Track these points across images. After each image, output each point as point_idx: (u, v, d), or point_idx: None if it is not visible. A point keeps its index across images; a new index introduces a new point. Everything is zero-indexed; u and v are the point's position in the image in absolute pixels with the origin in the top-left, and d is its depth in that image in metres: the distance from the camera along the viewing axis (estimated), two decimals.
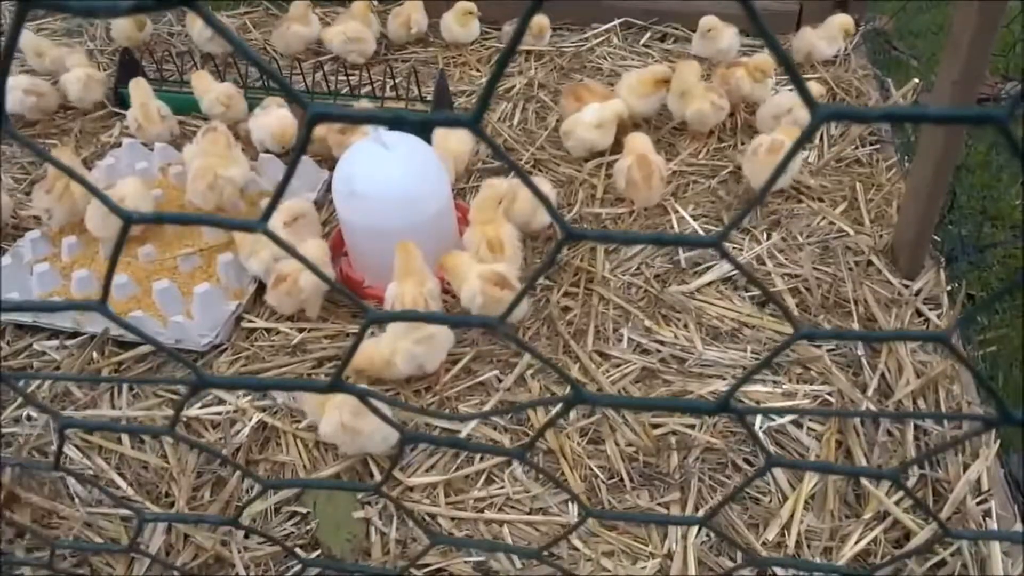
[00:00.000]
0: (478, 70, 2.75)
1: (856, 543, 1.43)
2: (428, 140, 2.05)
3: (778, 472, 1.55)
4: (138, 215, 0.47)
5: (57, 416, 0.61)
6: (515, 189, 1.90)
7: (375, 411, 0.58)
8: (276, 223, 1.91)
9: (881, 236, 2.00)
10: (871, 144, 2.33)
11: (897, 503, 1.47)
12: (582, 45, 2.84)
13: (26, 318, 1.86)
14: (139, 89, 2.37)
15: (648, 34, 2.87)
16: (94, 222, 1.97)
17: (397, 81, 2.56)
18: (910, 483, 1.51)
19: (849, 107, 0.38)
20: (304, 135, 0.42)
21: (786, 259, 1.96)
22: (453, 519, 1.52)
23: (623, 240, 0.47)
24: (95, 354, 1.83)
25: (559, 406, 0.46)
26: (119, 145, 2.37)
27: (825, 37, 2.58)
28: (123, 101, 2.57)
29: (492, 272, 1.72)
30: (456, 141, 2.17)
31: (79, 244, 2.02)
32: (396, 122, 0.43)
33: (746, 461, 1.57)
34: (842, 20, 2.57)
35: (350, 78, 2.58)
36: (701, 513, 1.49)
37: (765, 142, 2.03)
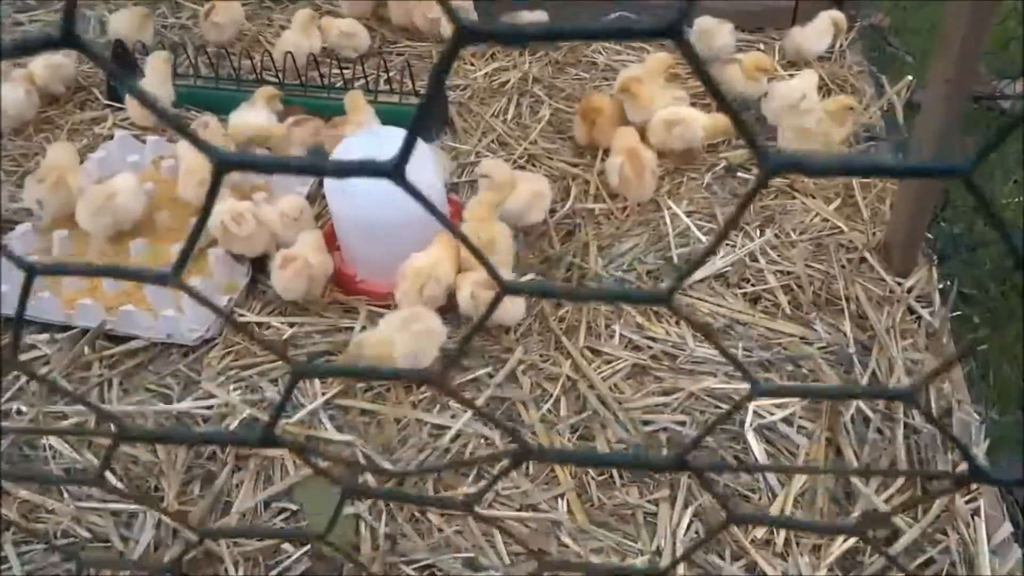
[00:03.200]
0: (472, 64, 2.74)
1: (844, 541, 1.43)
2: (423, 136, 2.04)
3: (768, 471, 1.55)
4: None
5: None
6: (511, 184, 1.90)
7: (313, 465, 0.57)
8: (274, 214, 1.91)
9: (875, 233, 2.00)
10: (865, 141, 2.33)
11: (886, 502, 1.47)
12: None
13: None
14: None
15: None
16: (84, 217, 1.96)
17: (391, 75, 2.55)
18: (898, 483, 1.51)
19: (802, 158, 0.36)
20: (213, 184, 0.38)
21: (779, 256, 1.96)
22: (443, 515, 1.52)
23: (562, 295, 0.45)
24: (86, 348, 1.82)
25: (506, 462, 0.45)
26: (111, 138, 2.36)
27: (815, 33, 2.57)
28: (115, 94, 2.56)
29: (484, 277, 1.72)
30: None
31: (70, 238, 2.01)
32: (308, 172, 0.41)
33: (736, 458, 1.58)
34: (832, 16, 2.56)
35: (344, 72, 2.57)
36: (691, 510, 1.49)
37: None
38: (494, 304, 0.44)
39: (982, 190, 0.34)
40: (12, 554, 1.47)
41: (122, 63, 2.57)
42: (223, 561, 1.44)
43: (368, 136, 1.81)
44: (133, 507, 1.53)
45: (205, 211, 0.39)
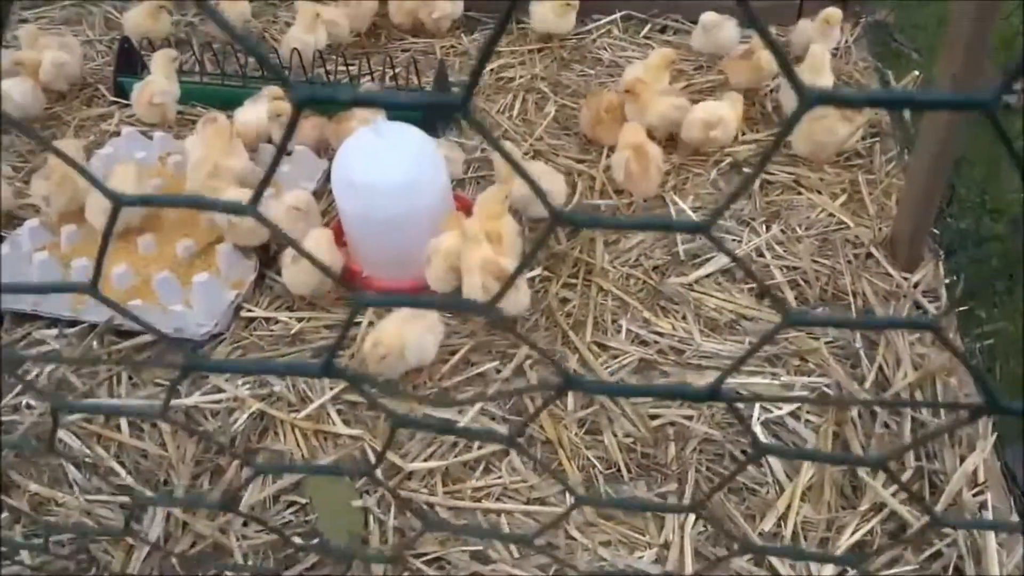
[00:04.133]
0: None
1: (852, 534, 1.44)
2: (427, 130, 2.04)
3: (775, 463, 1.55)
4: (128, 197, 0.47)
5: (53, 398, 0.61)
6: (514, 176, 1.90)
7: (368, 397, 0.58)
8: (281, 209, 1.91)
9: (880, 229, 2.00)
10: (871, 137, 2.33)
11: (894, 494, 1.48)
12: (583, 37, 2.83)
13: (25, 306, 1.86)
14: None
15: (648, 26, 2.86)
16: (94, 212, 1.97)
17: (396, 71, 2.56)
18: (906, 476, 1.51)
19: (838, 92, 0.38)
20: (293, 118, 0.41)
21: (785, 251, 1.96)
22: (451, 508, 1.52)
23: (611, 225, 0.46)
24: (95, 343, 1.83)
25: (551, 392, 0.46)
26: (118, 134, 2.37)
27: (819, 30, 2.56)
28: (122, 90, 2.56)
29: (495, 265, 1.72)
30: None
31: (79, 233, 2.01)
32: (389, 105, 0.43)
33: (744, 452, 1.58)
34: (828, 12, 2.51)
35: (349, 68, 2.57)
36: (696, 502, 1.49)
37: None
38: (549, 231, 0.45)
39: (1002, 125, 0.35)
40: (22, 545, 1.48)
41: (128, 59, 2.58)
42: (232, 554, 1.45)
43: (374, 130, 1.81)
44: (143, 500, 1.54)
45: (280, 146, 0.41)
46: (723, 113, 2.17)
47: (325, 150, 2.28)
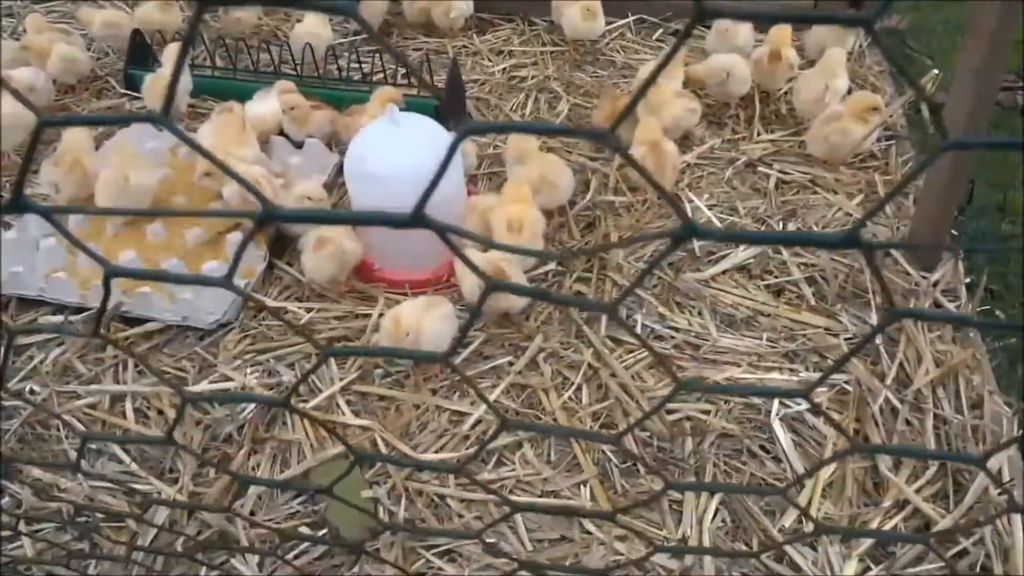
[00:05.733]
0: (490, 60, 2.73)
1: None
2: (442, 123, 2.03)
3: (795, 459, 1.52)
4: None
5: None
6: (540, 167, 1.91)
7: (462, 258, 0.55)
8: (291, 200, 1.90)
9: (898, 228, 1.98)
10: (886, 140, 2.31)
11: (917, 491, 1.44)
12: (596, 40, 2.82)
13: (31, 291, 1.83)
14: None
15: (661, 30, 2.85)
16: (104, 197, 1.95)
17: (409, 69, 2.54)
18: (929, 473, 1.48)
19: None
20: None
21: (801, 249, 1.94)
22: (463, 501, 1.49)
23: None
24: (101, 330, 1.80)
25: (668, 241, 0.43)
26: (128, 125, 2.35)
27: (834, 33, 2.55)
28: (132, 83, 2.55)
29: (493, 265, 1.70)
30: None
31: (86, 219, 1.99)
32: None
33: (762, 448, 1.55)
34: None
35: (362, 65, 2.56)
36: (718, 497, 1.46)
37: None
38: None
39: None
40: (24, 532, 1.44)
41: (139, 52, 2.57)
42: (239, 541, 1.41)
43: (391, 119, 1.79)
44: (147, 487, 1.51)
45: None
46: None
47: (336, 144, 2.26)
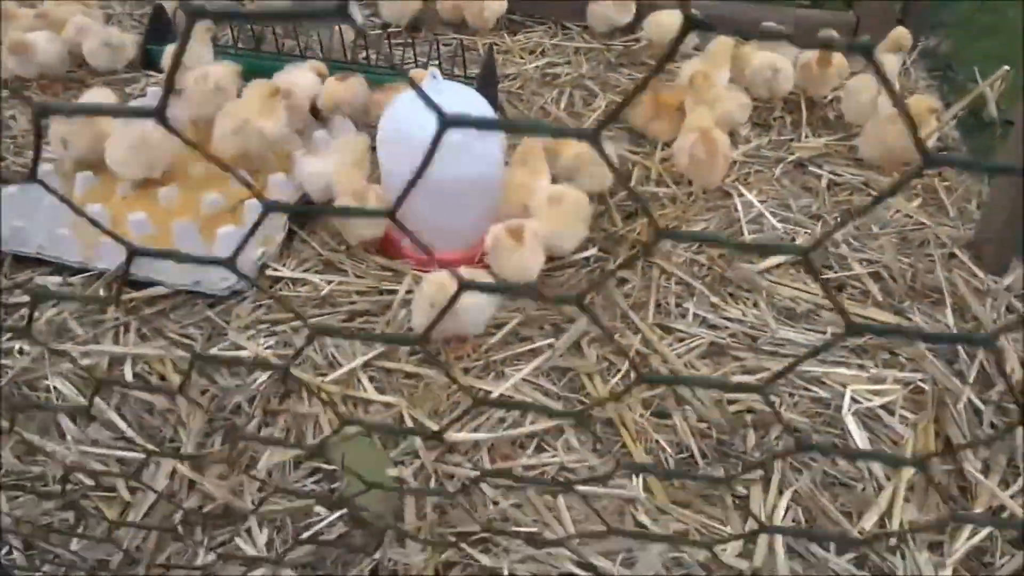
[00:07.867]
0: (522, 58, 2.64)
1: (968, 539, 1.24)
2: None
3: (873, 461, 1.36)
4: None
5: None
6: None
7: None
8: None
9: (963, 231, 1.86)
10: (938, 151, 2.21)
11: (1013, 497, 1.29)
12: (630, 44, 2.74)
13: (29, 249, 1.68)
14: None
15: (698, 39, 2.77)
16: (115, 158, 1.81)
17: (441, 60, 2.44)
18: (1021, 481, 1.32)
19: None
20: None
21: (862, 245, 1.81)
22: (498, 487, 1.32)
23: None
24: (101, 292, 1.65)
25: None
26: (144, 95, 2.23)
27: (887, 47, 2.47)
28: (150, 59, 2.44)
29: (514, 222, 1.59)
30: None
31: (95, 179, 1.85)
32: None
33: (833, 445, 1.39)
34: (900, 35, 2.44)
35: (393, 53, 2.46)
36: (788, 494, 1.29)
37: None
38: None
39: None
40: (3, 500, 1.27)
41: (158, 28, 2.47)
42: (246, 517, 1.24)
43: (432, 82, 1.68)
44: (141, 455, 1.33)
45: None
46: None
47: (364, 123, 2.14)
